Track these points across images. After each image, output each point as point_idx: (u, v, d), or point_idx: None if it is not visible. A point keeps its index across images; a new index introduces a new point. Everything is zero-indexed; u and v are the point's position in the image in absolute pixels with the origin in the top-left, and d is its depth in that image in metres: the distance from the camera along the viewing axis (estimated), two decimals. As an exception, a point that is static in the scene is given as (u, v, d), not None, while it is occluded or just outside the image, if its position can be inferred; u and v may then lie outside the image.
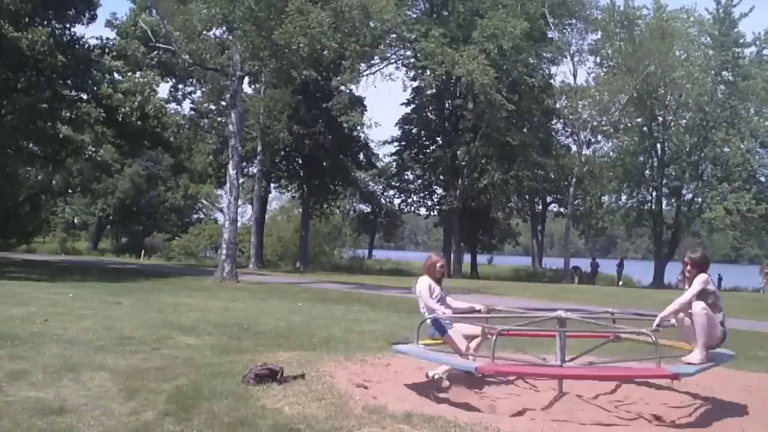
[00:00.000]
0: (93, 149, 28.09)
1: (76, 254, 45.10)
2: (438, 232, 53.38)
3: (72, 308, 10.86)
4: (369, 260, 49.59)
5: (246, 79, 28.46)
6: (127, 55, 28.26)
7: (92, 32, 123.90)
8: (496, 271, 44.05)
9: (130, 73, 27.39)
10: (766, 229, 35.51)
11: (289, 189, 40.96)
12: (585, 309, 7.28)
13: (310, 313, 12.26)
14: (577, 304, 15.23)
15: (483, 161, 35.14)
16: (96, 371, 6.08)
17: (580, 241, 58.81)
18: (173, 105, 38.01)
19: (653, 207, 37.61)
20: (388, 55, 35.35)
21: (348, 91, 34.21)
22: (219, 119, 36.42)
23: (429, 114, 38.39)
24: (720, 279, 36.28)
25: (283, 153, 36.40)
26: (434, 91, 34.93)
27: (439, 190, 38.75)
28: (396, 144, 39.05)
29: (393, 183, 41.07)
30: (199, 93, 39.17)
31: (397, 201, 42.80)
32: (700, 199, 36.25)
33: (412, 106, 38.34)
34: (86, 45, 24.79)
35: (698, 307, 5.45)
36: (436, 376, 6.14)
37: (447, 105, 37.34)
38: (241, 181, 28.87)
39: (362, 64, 32.48)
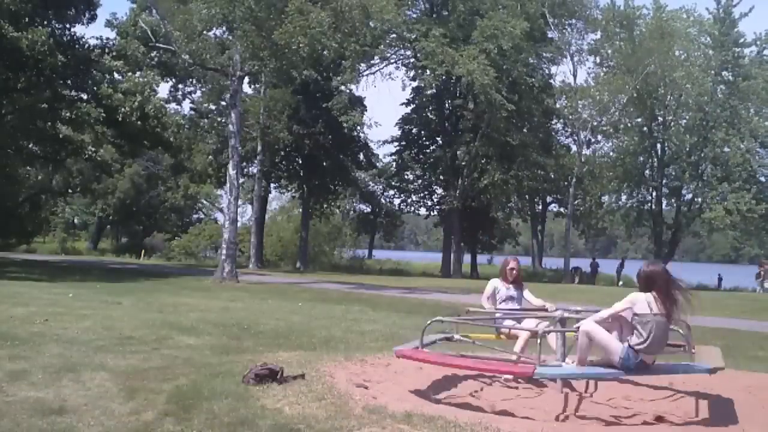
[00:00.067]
0: (93, 149, 28.08)
1: (76, 254, 45.11)
2: (438, 232, 53.41)
3: (72, 308, 10.86)
4: (369, 260, 49.64)
5: (246, 79, 28.46)
6: (127, 55, 28.27)
7: (92, 32, 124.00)
8: (496, 271, 43.77)
9: (130, 73, 27.40)
10: (766, 229, 35.52)
11: (289, 189, 40.98)
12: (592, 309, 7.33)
13: (310, 313, 12.26)
14: (579, 305, 15.21)
15: (483, 161, 35.14)
16: (96, 371, 6.08)
17: (580, 241, 58.83)
18: (173, 105, 38.11)
19: (653, 207, 37.61)
20: (388, 55, 35.36)
21: (348, 91, 34.22)
22: (219, 119, 36.42)
23: (429, 114, 38.39)
24: (720, 279, 36.38)
25: (283, 153, 36.41)
26: (434, 91, 34.95)
27: (439, 190, 38.78)
28: (396, 144, 39.08)
29: (393, 183, 41.08)
30: (199, 93, 39.22)
31: (397, 201, 42.88)
32: (700, 199, 36.25)
33: (412, 106, 38.35)
34: (86, 45, 24.79)
35: (584, 325, 5.36)
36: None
37: (447, 105, 37.34)
38: (241, 181, 28.89)
39: (362, 64, 32.52)
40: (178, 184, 45.07)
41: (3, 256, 33.50)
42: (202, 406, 4.97)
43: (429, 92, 36.09)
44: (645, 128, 36.89)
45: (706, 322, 11.78)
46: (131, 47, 29.25)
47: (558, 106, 37.34)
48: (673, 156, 37.20)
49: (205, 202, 52.67)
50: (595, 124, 36.12)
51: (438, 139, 38.01)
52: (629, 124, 37.92)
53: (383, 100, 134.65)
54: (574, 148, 38.17)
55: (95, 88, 24.62)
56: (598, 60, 37.57)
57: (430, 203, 40.35)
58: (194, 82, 38.03)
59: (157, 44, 26.89)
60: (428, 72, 32.14)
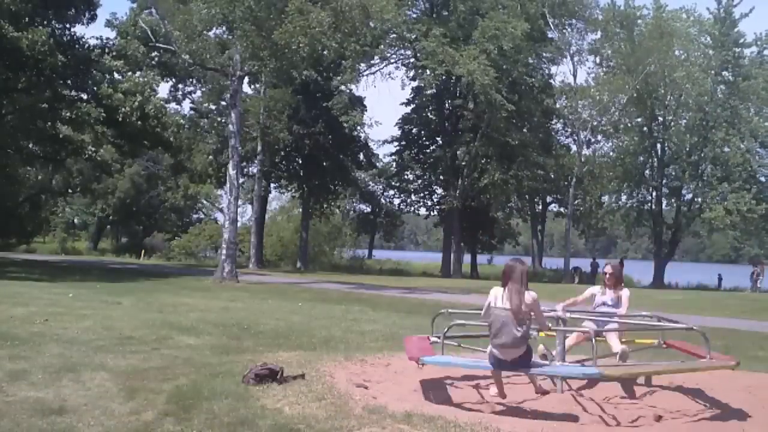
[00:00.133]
0: (93, 149, 28.08)
1: (76, 254, 45.12)
2: (438, 232, 53.44)
3: (72, 308, 10.87)
4: (369, 260, 49.63)
5: (246, 79, 28.45)
6: (127, 55, 28.28)
7: (92, 32, 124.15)
8: (496, 271, 43.83)
9: (130, 73, 27.41)
10: (766, 229, 35.52)
11: (289, 189, 40.96)
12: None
13: (310, 313, 12.26)
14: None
15: (483, 161, 35.15)
16: (96, 371, 6.08)
17: (580, 241, 58.83)
18: (173, 105, 38.07)
19: (653, 207, 37.61)
20: (388, 54, 35.37)
21: (348, 90, 34.23)
22: (219, 119, 36.43)
23: (429, 114, 38.41)
24: (720, 279, 36.39)
25: (283, 153, 36.41)
26: (434, 91, 34.96)
27: (439, 190, 38.81)
28: (396, 144, 39.09)
29: (393, 183, 41.09)
30: (199, 93, 39.20)
31: (397, 201, 42.90)
32: (700, 199, 36.25)
33: (412, 106, 38.36)
34: (86, 45, 24.79)
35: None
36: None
37: (447, 105, 37.34)
38: (241, 181, 28.89)
39: (362, 64, 32.53)
40: (178, 184, 45.07)
41: (3, 256, 33.50)
42: (202, 406, 4.97)
43: (429, 92, 36.10)
44: (645, 128, 36.89)
45: (706, 322, 11.79)
46: (131, 47, 29.25)
47: (558, 106, 37.36)
48: (673, 156, 37.20)
49: (205, 202, 52.68)
50: (595, 124, 36.13)
51: (438, 139, 38.01)
52: (629, 124, 37.92)
53: (383, 100, 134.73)
54: (574, 148, 38.20)
55: (95, 88, 24.62)
56: (598, 60, 37.63)
57: (430, 203, 40.39)
58: (194, 82, 38.02)
59: (157, 44, 26.87)
60: (428, 72, 32.15)
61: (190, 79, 37.80)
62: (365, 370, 6.68)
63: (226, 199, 23.97)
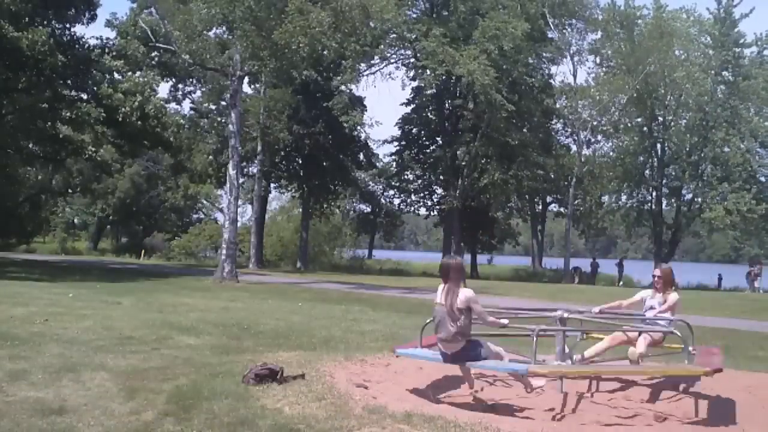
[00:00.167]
0: (93, 149, 28.06)
1: (76, 254, 45.13)
2: (438, 232, 53.42)
3: (72, 308, 10.87)
4: (369, 260, 49.60)
5: (246, 79, 28.45)
6: (127, 55, 28.28)
7: (92, 32, 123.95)
8: (496, 271, 44.05)
9: (130, 73, 27.41)
10: (766, 229, 35.50)
11: (289, 189, 40.96)
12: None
13: (310, 313, 12.26)
14: (579, 305, 15.22)
15: (483, 161, 35.14)
16: (96, 371, 6.08)
17: (580, 241, 58.80)
18: (173, 105, 38.06)
19: (653, 207, 37.59)
20: (388, 54, 35.33)
21: (348, 90, 34.21)
22: (219, 119, 36.42)
23: (429, 114, 38.38)
24: (720, 279, 36.38)
25: (283, 153, 36.40)
26: (434, 91, 34.93)
27: (439, 190, 38.77)
28: (396, 144, 39.07)
29: (393, 183, 41.07)
30: (199, 93, 39.21)
31: (397, 201, 42.86)
32: (700, 199, 36.23)
33: (412, 106, 38.34)
34: (86, 45, 24.78)
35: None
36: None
37: (447, 105, 37.32)
38: (241, 181, 28.88)
39: (362, 64, 32.50)
40: (178, 184, 45.08)
41: (3, 256, 33.50)
42: (202, 406, 4.97)
43: (429, 92, 36.07)
44: (645, 128, 36.88)
45: (706, 322, 11.80)
46: (131, 47, 29.25)
47: (558, 106, 37.34)
48: (673, 156, 37.19)
49: (205, 202, 52.68)
50: (595, 124, 36.12)
51: (438, 139, 37.99)
52: (629, 124, 37.90)
53: (383, 100, 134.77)
54: (574, 148, 38.19)
55: (95, 88, 24.61)
56: (598, 60, 37.60)
57: (430, 203, 40.36)
58: (194, 82, 38.02)
59: (157, 44, 26.87)
60: (428, 72, 32.13)
61: (190, 79, 37.80)
62: (365, 370, 6.68)
63: (226, 199, 23.98)
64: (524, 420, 5.03)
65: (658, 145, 37.10)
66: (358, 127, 35.24)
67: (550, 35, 36.03)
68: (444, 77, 31.78)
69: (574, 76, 38.35)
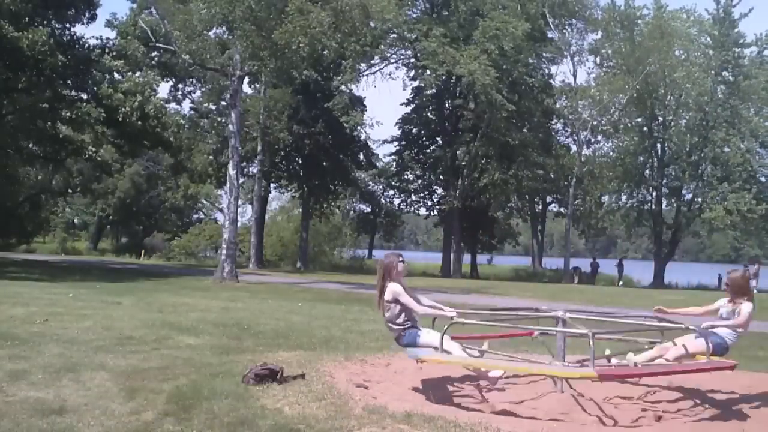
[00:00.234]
0: (93, 149, 28.05)
1: (76, 254, 45.13)
2: (438, 232, 53.42)
3: (72, 308, 10.86)
4: (369, 260, 49.57)
5: (246, 79, 28.45)
6: (127, 55, 28.25)
7: (92, 32, 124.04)
8: (496, 271, 44.07)
9: (130, 73, 27.38)
10: (766, 229, 35.52)
11: (289, 189, 40.98)
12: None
13: (310, 313, 12.26)
14: (578, 304, 15.23)
15: (483, 161, 35.16)
16: (96, 371, 6.08)
17: (580, 241, 58.85)
18: (173, 105, 38.04)
19: (653, 207, 37.61)
20: (389, 54, 35.38)
21: (348, 91, 34.21)
22: (219, 119, 36.42)
23: (429, 114, 38.42)
24: (720, 279, 36.38)
25: (283, 153, 36.41)
26: (434, 91, 34.96)
27: (439, 190, 38.82)
28: (396, 144, 39.09)
29: (393, 183, 41.10)
30: (199, 93, 39.21)
31: (397, 201, 42.93)
32: (700, 199, 36.26)
33: (412, 106, 38.36)
34: (86, 45, 24.77)
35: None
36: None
37: (447, 105, 37.35)
38: (241, 181, 28.87)
39: (362, 64, 32.52)
40: (178, 184, 45.08)
41: (3, 256, 33.49)
42: (202, 406, 4.97)
43: (429, 92, 36.10)
44: (645, 128, 36.90)
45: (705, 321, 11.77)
46: (131, 47, 29.23)
47: (558, 106, 37.36)
48: (673, 156, 37.20)
49: (205, 202, 52.69)
50: (595, 124, 36.14)
51: (438, 139, 38.02)
52: (629, 124, 37.93)
53: (383, 100, 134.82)
54: (574, 148, 38.20)
55: (95, 88, 24.61)
56: (598, 60, 37.62)
57: (430, 203, 40.41)
58: (194, 82, 38.02)
59: (157, 44, 26.87)
60: (428, 72, 32.16)
61: (190, 79, 37.80)
62: (365, 370, 6.67)
63: (226, 199, 23.98)
64: (524, 420, 5.03)
65: (658, 145, 37.12)
66: (358, 127, 35.27)
67: (550, 35, 36.06)
68: (444, 77, 31.80)
69: (574, 76, 38.43)
